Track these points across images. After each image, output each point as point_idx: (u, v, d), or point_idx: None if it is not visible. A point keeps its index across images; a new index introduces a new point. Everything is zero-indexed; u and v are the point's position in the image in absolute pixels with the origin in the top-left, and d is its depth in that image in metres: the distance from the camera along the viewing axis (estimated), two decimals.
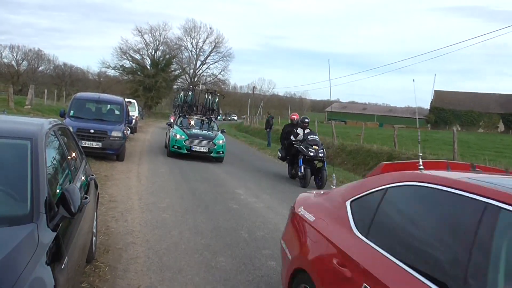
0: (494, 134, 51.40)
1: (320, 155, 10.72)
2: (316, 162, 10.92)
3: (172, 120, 26.31)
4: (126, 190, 8.15)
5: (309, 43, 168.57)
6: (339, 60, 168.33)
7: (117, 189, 8.12)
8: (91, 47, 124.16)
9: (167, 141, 14.82)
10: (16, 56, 66.15)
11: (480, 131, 57.14)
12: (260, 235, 6.04)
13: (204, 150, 13.45)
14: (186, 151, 13.32)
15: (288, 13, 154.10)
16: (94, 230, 4.48)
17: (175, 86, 59.36)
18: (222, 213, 7.07)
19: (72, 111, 11.73)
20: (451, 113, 61.78)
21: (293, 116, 13.21)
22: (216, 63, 64.04)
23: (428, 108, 66.12)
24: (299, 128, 11.74)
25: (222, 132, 15.01)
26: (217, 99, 16.85)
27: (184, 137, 13.52)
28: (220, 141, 13.76)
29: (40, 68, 69.01)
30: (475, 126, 59.53)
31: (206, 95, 17.07)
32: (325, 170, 10.68)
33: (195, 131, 14.23)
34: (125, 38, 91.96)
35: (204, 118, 15.90)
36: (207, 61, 64.49)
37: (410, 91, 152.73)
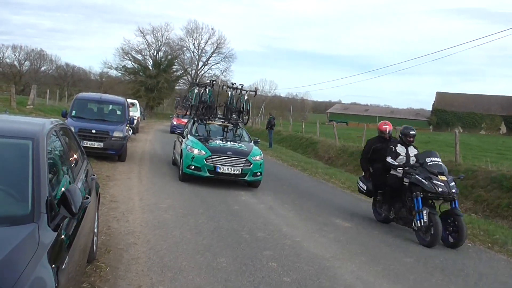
0: (496, 136, 51.32)
1: (453, 190, 6.58)
2: (438, 200, 6.92)
3: (175, 122, 25.27)
4: (127, 190, 8.15)
5: (311, 44, 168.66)
6: (341, 61, 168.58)
7: (118, 189, 8.13)
8: (93, 48, 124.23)
9: (178, 158, 10.65)
10: (19, 56, 66.28)
11: (482, 133, 57.04)
12: (261, 236, 6.03)
13: (236, 172, 9.36)
14: (208, 174, 9.34)
15: (291, 14, 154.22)
16: (95, 230, 4.48)
17: (177, 87, 59.30)
18: (223, 214, 7.06)
19: (74, 111, 11.75)
20: (453, 114, 61.70)
21: (384, 126, 8.10)
22: (218, 64, 64.05)
23: (430, 109, 66.07)
24: (398, 145, 7.53)
25: (256, 143, 10.88)
26: (245, 97, 11.89)
27: (205, 152, 9.40)
28: (257, 158, 9.73)
29: (42, 68, 69.10)
30: (477, 128, 59.41)
31: (229, 93, 12.13)
32: (461, 216, 6.57)
33: (220, 143, 10.01)
34: (127, 39, 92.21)
35: (228, 123, 11.40)
36: (209, 62, 64.50)
37: (411, 92, 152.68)
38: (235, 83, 12.10)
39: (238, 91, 12.01)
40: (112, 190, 7.97)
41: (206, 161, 9.31)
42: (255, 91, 12.63)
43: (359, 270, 5.05)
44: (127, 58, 56.31)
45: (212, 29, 63.39)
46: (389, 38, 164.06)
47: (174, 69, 61.12)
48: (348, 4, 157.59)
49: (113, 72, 59.53)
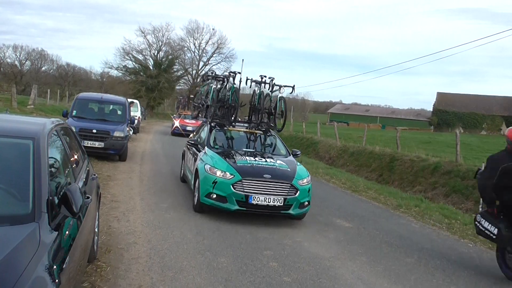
0: (497, 136, 51.22)
1: None
2: None
3: (177, 123, 24.70)
4: (128, 190, 8.15)
5: (312, 44, 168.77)
6: (342, 62, 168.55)
7: (119, 189, 8.13)
8: (94, 48, 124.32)
9: (190, 176, 8.20)
10: (19, 56, 66.34)
11: (483, 133, 57.01)
12: (262, 236, 6.03)
13: (277, 204, 6.58)
14: (238, 207, 6.55)
15: (292, 14, 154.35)
16: (96, 230, 4.49)
17: (178, 87, 59.21)
18: (224, 214, 7.05)
19: (74, 111, 11.78)
20: (454, 115, 61.67)
21: None
22: (218, 64, 64.01)
23: (431, 110, 66.06)
24: None
25: (295, 155, 8.17)
26: (279, 95, 8.64)
27: (232, 175, 6.65)
28: (305, 181, 6.98)
29: (43, 68, 69.16)
30: (478, 128, 59.38)
31: (256, 89, 9.29)
32: None
33: (251, 160, 7.14)
34: (128, 38, 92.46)
35: (257, 130, 8.64)
36: (209, 62, 64.49)
37: (412, 93, 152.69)
38: (265, 76, 9.06)
39: (268, 87, 8.94)
40: (113, 189, 7.97)
41: (234, 188, 6.54)
42: (293, 87, 8.82)
43: (360, 270, 5.04)
44: (128, 58, 56.24)
45: (213, 29, 63.43)
46: (390, 38, 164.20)
47: (175, 69, 61.11)
48: (349, 5, 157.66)
49: (114, 72, 59.49)
